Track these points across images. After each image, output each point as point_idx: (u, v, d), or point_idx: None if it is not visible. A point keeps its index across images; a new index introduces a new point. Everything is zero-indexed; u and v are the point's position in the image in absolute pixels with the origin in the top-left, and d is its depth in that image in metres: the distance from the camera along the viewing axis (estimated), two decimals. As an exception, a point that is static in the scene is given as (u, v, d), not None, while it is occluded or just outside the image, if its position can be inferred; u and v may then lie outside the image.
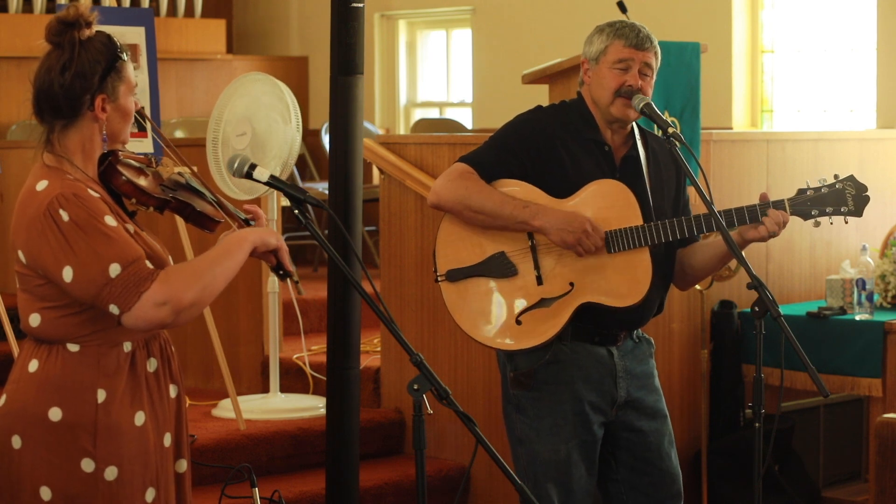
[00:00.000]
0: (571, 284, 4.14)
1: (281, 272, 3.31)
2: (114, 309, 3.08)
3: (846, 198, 4.19)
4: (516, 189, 4.15)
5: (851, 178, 4.21)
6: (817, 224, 4.20)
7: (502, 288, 4.17)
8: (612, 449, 4.29)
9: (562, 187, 4.15)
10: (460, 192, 4.13)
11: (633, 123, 4.23)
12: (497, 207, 4.11)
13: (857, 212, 4.20)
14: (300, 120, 6.18)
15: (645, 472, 4.30)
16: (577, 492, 4.21)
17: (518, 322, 4.15)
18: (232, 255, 3.21)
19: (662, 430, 4.32)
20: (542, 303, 4.15)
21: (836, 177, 4.21)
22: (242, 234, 3.25)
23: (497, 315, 4.17)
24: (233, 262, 3.20)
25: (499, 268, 4.17)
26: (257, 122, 6.18)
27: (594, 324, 4.18)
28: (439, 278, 4.20)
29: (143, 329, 3.16)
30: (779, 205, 4.14)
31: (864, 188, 4.21)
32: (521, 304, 4.16)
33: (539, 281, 4.15)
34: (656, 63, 4.20)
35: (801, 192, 4.19)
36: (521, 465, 4.25)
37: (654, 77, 4.21)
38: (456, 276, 4.19)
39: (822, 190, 4.17)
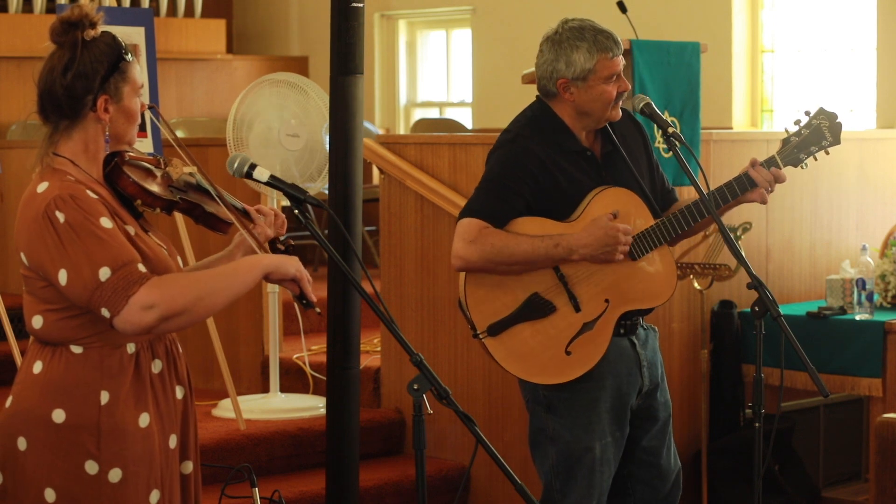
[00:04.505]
0: (607, 301, 4.16)
1: (304, 301, 3.25)
2: (105, 313, 3.07)
3: (823, 131, 4.27)
4: (531, 227, 4.12)
5: (822, 111, 4.30)
6: (805, 166, 4.29)
7: (545, 327, 4.15)
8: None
9: (563, 206, 4.16)
10: (487, 250, 4.07)
11: None
12: (530, 254, 4.07)
13: (836, 140, 4.29)
14: None
15: (652, 465, 4.33)
16: (605, 489, 4.25)
17: (568, 352, 4.15)
18: (240, 275, 3.17)
19: (670, 419, 4.39)
20: (586, 328, 4.16)
21: (807, 113, 4.29)
22: (257, 258, 3.22)
23: (547, 352, 4.15)
24: (238, 282, 3.16)
25: (537, 309, 4.14)
26: (312, 127, 6.18)
27: (620, 317, 4.22)
28: (481, 335, 4.14)
29: (132, 334, 3.12)
30: (771, 162, 4.22)
31: (836, 115, 4.30)
32: (566, 335, 4.15)
33: (577, 308, 4.15)
34: None
35: (785, 142, 4.27)
36: (550, 463, 4.25)
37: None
38: (497, 329, 4.14)
39: (803, 132, 4.26)
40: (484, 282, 4.14)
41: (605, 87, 4.14)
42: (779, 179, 4.21)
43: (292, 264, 3.21)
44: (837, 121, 4.28)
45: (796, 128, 4.28)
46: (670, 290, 4.23)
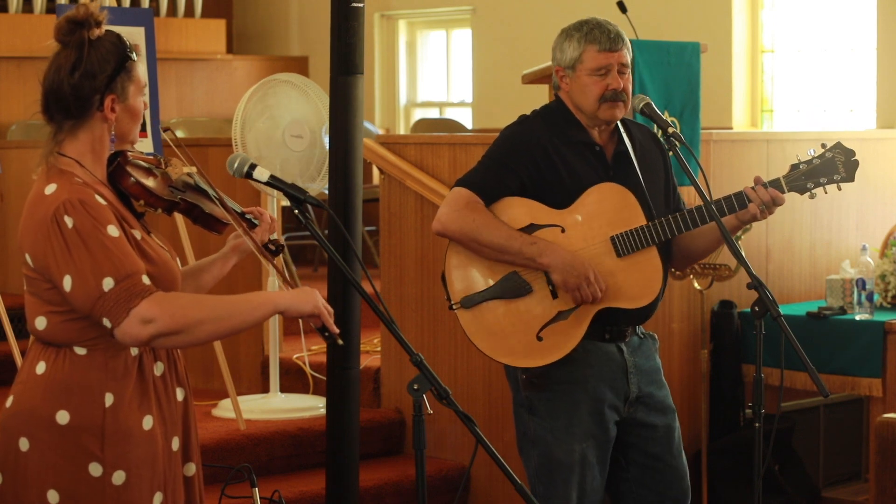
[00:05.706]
0: None
1: (326, 334, 3.23)
2: (106, 322, 3.07)
3: (837, 165, 4.20)
4: (519, 208, 4.13)
5: (839, 146, 4.22)
6: (813, 196, 4.21)
7: (519, 307, 4.15)
8: (622, 447, 4.29)
9: (560, 195, 4.15)
10: (467, 224, 4.10)
11: None
12: (504, 243, 4.09)
13: (850, 177, 4.21)
14: None
15: (656, 469, 4.31)
16: (589, 493, 4.22)
17: (539, 338, 4.13)
18: (250, 307, 3.15)
19: (672, 425, 4.34)
20: (560, 315, 4.14)
21: (823, 146, 4.22)
22: (271, 296, 3.20)
23: (518, 335, 4.14)
24: (246, 315, 3.14)
25: (513, 288, 4.14)
26: (313, 127, 6.18)
27: (604, 322, 4.19)
28: (454, 306, 4.16)
29: (130, 345, 3.13)
30: (775, 184, 4.16)
31: (853, 153, 4.22)
32: (539, 320, 4.14)
33: (554, 295, 4.14)
34: (630, 57, 4.20)
35: (793, 167, 4.20)
36: (533, 467, 4.25)
37: (632, 69, 4.23)
38: (471, 302, 4.15)
39: (814, 162, 4.19)
40: (466, 254, 4.16)
41: (588, 79, 4.13)
42: (777, 202, 4.14)
43: (308, 301, 3.18)
44: (854, 158, 4.20)
45: (809, 156, 4.20)
46: (652, 294, 4.17)
